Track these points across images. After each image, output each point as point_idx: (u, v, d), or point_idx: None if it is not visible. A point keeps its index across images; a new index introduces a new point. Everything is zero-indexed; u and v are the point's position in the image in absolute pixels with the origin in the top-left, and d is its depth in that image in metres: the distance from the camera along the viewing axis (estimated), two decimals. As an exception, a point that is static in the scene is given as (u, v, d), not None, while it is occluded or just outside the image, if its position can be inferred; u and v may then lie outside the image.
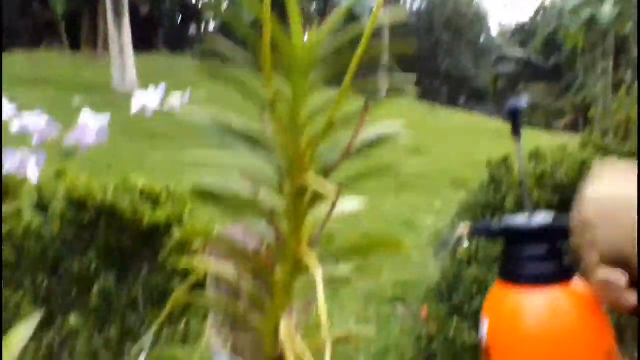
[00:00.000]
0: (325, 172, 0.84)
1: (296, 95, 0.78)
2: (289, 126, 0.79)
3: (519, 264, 0.64)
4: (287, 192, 0.85)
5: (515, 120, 0.68)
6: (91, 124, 1.04)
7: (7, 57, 14.72)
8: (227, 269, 0.97)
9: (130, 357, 2.20)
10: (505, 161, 2.89)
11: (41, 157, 1.05)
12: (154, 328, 1.04)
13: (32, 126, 0.94)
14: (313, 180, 0.81)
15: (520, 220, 0.67)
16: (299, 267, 0.94)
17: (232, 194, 0.81)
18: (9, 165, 1.06)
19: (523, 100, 0.70)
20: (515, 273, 0.65)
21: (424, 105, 14.82)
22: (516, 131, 0.68)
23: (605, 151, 3.01)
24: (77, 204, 1.86)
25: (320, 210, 0.96)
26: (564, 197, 2.93)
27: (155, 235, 1.88)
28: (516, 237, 0.66)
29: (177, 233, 1.75)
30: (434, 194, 7.81)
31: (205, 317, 1.81)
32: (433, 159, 9.78)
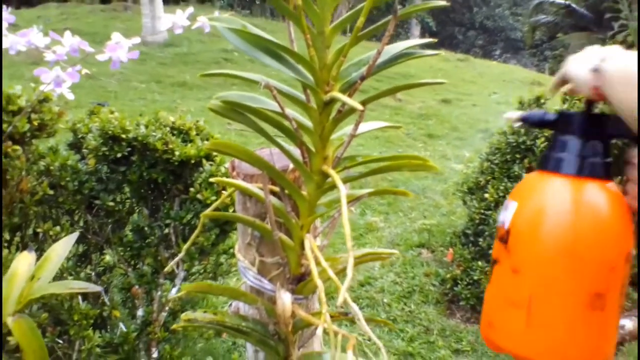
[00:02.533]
0: (351, 89, 0.85)
1: (323, 6, 0.77)
2: (315, 39, 0.79)
3: (562, 154, 0.64)
4: (312, 108, 0.86)
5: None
6: (123, 42, 1.05)
7: (40, 10, 14.83)
8: (254, 188, 0.99)
9: (163, 290, 2.30)
10: (537, 100, 2.82)
11: (75, 72, 1.07)
12: (185, 248, 1.08)
13: (64, 44, 0.96)
14: (339, 96, 0.81)
15: (572, 112, 0.66)
16: (323, 185, 0.96)
17: (258, 108, 0.82)
18: (43, 84, 1.09)
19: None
20: (556, 162, 0.64)
21: (457, 57, 14.45)
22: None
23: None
24: (111, 139, 1.90)
25: (345, 131, 0.97)
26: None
27: (185, 169, 1.93)
28: (569, 123, 0.65)
29: (207, 166, 1.78)
30: (463, 143, 7.73)
31: (233, 255, 1.86)
32: (464, 109, 9.61)
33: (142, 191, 2.14)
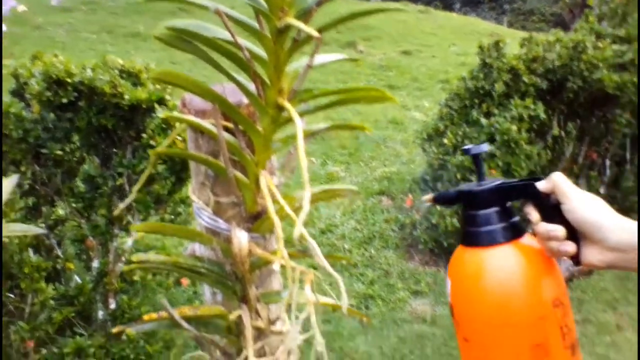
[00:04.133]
0: (306, 16, 0.80)
1: None
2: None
3: (474, 226, 0.69)
4: (266, 36, 0.81)
5: (478, 164, 0.72)
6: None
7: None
8: (206, 124, 0.94)
9: (118, 241, 2.25)
10: (496, 45, 2.81)
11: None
12: (135, 189, 1.03)
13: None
14: (294, 22, 0.77)
15: (472, 185, 0.70)
16: (279, 120, 0.92)
17: (208, 36, 0.77)
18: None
19: (484, 146, 0.73)
20: (471, 235, 0.69)
21: (417, 8, 14.30)
22: (480, 175, 0.71)
23: (598, 35, 2.95)
24: (56, 83, 1.79)
25: (301, 63, 0.92)
26: (553, 82, 2.91)
27: (136, 115, 1.85)
28: (469, 202, 0.70)
29: (159, 111, 1.71)
30: (423, 94, 7.76)
31: (190, 205, 1.82)
32: (424, 60, 9.61)
33: (92, 139, 2.05)
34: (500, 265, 0.65)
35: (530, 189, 0.68)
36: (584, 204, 0.63)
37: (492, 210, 0.68)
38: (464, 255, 0.68)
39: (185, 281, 2.34)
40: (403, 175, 4.74)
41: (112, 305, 2.17)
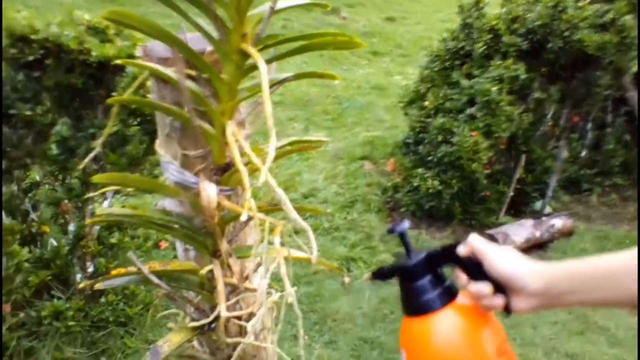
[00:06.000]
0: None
1: None
2: None
3: (413, 297, 0.74)
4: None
5: (404, 240, 0.76)
6: None
7: None
8: (168, 72, 0.91)
9: (94, 203, 2.21)
10: (477, 5, 2.77)
11: None
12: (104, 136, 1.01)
13: None
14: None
15: (403, 260, 0.75)
16: (243, 66, 0.89)
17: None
18: None
19: (405, 223, 0.77)
20: (412, 306, 0.74)
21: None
22: (408, 250, 0.75)
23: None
24: (20, 40, 1.73)
25: (265, 6, 0.88)
26: (534, 42, 2.88)
27: (106, 73, 1.79)
28: (404, 275, 0.75)
29: (129, 69, 1.65)
30: (407, 60, 7.70)
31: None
32: (408, 27, 9.50)
33: (62, 100, 1.99)
34: (443, 329, 0.71)
35: (452, 254, 0.72)
36: (500, 259, 0.68)
37: (426, 280, 0.73)
38: (410, 325, 0.74)
39: (163, 244, 2.32)
40: (386, 140, 4.72)
41: (90, 269, 2.15)
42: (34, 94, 1.95)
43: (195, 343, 1.28)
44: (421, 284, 0.73)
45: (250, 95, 0.93)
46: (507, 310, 0.69)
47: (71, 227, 2.16)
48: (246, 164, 0.99)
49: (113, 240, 2.11)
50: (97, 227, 2.15)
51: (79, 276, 2.15)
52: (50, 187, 2.27)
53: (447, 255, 0.73)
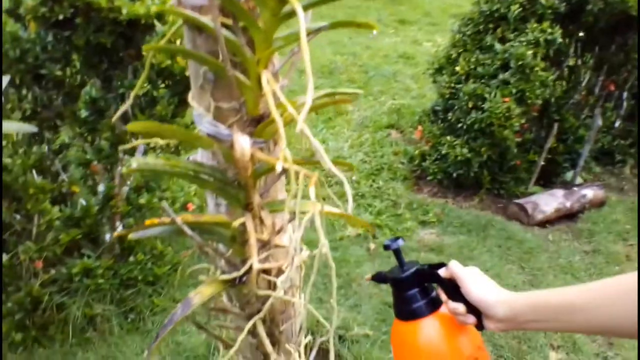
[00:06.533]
0: None
1: None
2: None
3: (404, 304, 0.85)
4: None
5: (398, 255, 0.87)
6: None
7: None
8: (203, 19, 0.89)
9: (123, 165, 2.22)
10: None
11: None
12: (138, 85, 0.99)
13: None
14: None
15: (396, 272, 0.86)
16: (279, 13, 0.86)
17: None
18: None
19: (400, 241, 0.87)
20: (403, 312, 0.85)
21: None
22: (401, 265, 0.86)
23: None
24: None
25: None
26: (572, 4, 2.76)
27: (136, 32, 1.77)
28: (396, 285, 0.86)
29: (159, 28, 1.63)
30: (436, 29, 7.51)
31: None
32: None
33: (92, 60, 1.98)
34: (426, 333, 0.83)
35: (435, 275, 0.83)
36: (474, 286, 0.77)
37: (414, 291, 0.84)
38: (400, 327, 0.86)
39: (191, 206, 2.34)
40: (413, 109, 4.65)
41: (119, 228, 2.17)
42: (63, 54, 1.95)
43: (224, 298, 1.29)
44: (410, 294, 0.85)
45: (285, 45, 0.91)
46: (478, 327, 0.79)
47: (100, 188, 2.18)
48: (281, 115, 0.96)
49: (142, 201, 2.13)
50: (126, 188, 2.17)
51: (108, 236, 2.18)
52: (79, 148, 2.29)
53: (432, 274, 0.84)
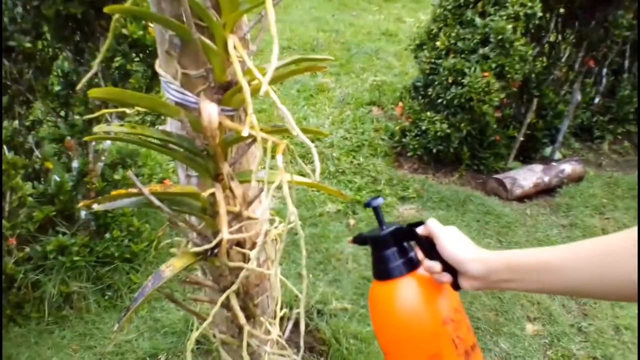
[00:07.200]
0: None
1: None
2: None
3: (381, 264, 0.84)
4: None
5: (378, 213, 0.86)
6: None
7: None
8: (166, -20, 0.86)
9: (97, 141, 2.18)
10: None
11: None
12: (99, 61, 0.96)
13: None
14: None
15: (375, 232, 0.86)
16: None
17: None
18: None
19: (380, 199, 0.87)
20: (380, 272, 0.85)
21: None
22: (380, 223, 0.86)
23: None
24: (15, -34, 1.65)
25: None
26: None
27: (106, 1, 1.72)
28: (375, 244, 0.85)
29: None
30: (419, 6, 7.45)
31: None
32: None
33: (63, 32, 1.93)
34: (402, 293, 0.82)
35: (413, 233, 0.82)
36: (449, 243, 0.76)
37: (393, 249, 0.84)
38: (377, 288, 0.85)
39: (167, 182, 2.30)
40: (395, 86, 4.63)
41: (94, 205, 2.14)
42: (33, 25, 1.89)
43: (199, 273, 1.28)
44: (388, 253, 0.84)
45: (253, 7, 0.88)
46: (454, 286, 0.78)
47: (75, 164, 2.14)
48: (249, 82, 0.94)
49: (117, 177, 2.10)
50: (100, 164, 2.13)
51: (83, 212, 2.15)
52: (52, 124, 2.24)
53: (410, 232, 0.83)
